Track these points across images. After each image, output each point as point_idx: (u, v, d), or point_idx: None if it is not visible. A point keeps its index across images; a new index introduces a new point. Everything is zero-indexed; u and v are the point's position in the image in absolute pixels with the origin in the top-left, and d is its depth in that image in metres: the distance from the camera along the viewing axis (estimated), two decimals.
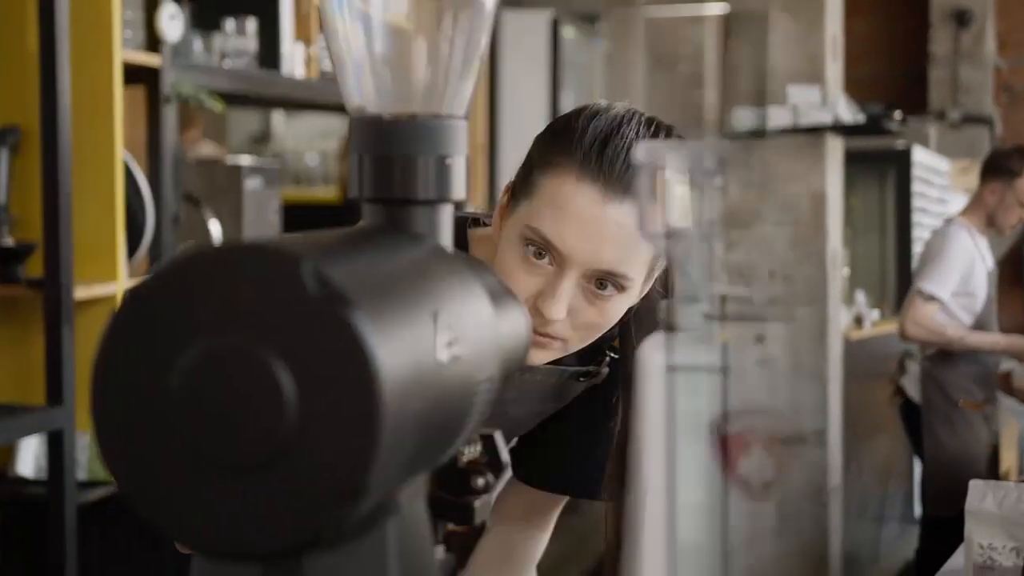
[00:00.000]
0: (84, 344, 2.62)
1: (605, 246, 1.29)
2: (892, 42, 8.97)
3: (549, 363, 1.41)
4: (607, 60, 5.78)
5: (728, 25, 5.99)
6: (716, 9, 6.12)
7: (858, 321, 6.24)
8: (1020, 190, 4.31)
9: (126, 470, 0.70)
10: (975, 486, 2.00)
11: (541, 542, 1.52)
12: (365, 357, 0.67)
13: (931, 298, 4.30)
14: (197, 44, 3.17)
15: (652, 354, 0.77)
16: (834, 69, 5.75)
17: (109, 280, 2.70)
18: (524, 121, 4.87)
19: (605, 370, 1.46)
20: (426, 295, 0.78)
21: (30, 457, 2.76)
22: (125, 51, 2.76)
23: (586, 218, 1.27)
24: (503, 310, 0.95)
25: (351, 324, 0.67)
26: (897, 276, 7.34)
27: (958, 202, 8.77)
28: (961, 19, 9.63)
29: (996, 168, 4.45)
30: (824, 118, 5.54)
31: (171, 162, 2.91)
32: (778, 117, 5.48)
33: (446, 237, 0.90)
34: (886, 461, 6.15)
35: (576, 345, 1.35)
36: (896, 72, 8.93)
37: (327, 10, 0.91)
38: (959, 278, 4.35)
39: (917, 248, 7.31)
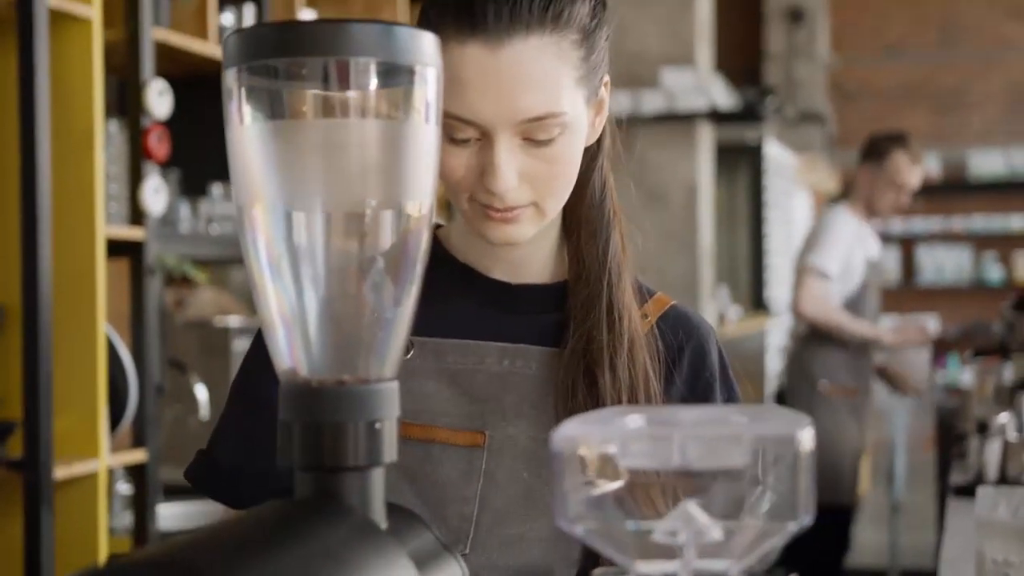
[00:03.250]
0: (64, 527, 2.60)
1: (517, 94, 1.16)
2: (727, 38, 9.03)
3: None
4: None
5: None
6: None
7: (720, 318, 6.23)
8: (889, 170, 4.34)
9: None
10: (984, 493, 1.81)
11: None
12: None
13: (823, 274, 4.28)
14: (184, 209, 3.19)
15: None
16: (704, 52, 5.77)
17: (91, 457, 2.68)
18: None
19: None
20: None
21: None
22: (109, 226, 2.77)
23: (483, 75, 1.15)
24: (435, 573, 0.93)
25: None
26: (750, 272, 7.32)
27: (802, 197, 8.86)
28: (795, 16, 9.75)
29: (867, 152, 4.52)
30: (699, 102, 5.56)
31: (155, 333, 2.91)
32: (651, 101, 5.50)
33: (377, 501, 0.89)
34: None
35: (551, 206, 1.24)
36: (730, 68, 9.01)
37: (255, 273, 0.90)
38: (842, 258, 4.33)
39: (769, 243, 7.33)
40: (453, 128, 1.18)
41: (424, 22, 1.20)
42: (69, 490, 2.68)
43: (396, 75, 0.87)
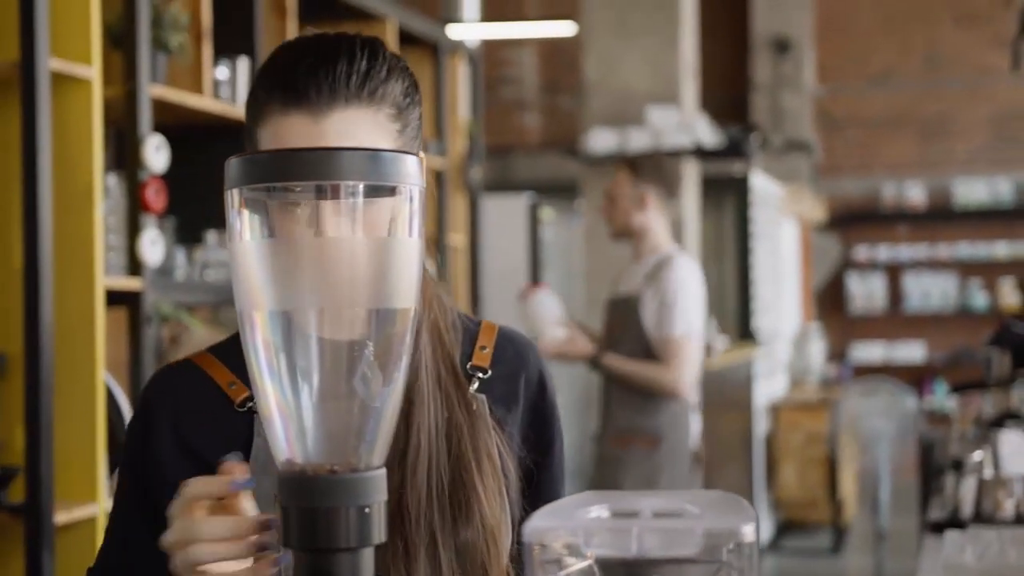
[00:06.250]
0: (64, 570, 2.68)
1: None
2: (713, 69, 9.11)
3: None
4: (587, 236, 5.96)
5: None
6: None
7: (707, 349, 6.29)
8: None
9: None
10: (952, 538, 1.90)
11: None
12: None
13: None
14: (180, 257, 3.28)
15: None
16: (690, 90, 5.83)
17: (90, 501, 2.76)
18: (507, 305, 4.98)
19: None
20: None
21: None
22: (108, 277, 2.86)
23: (307, 142, 1.24)
24: None
25: None
26: (737, 302, 7.42)
27: (789, 226, 8.98)
28: (781, 46, 9.85)
29: None
30: (684, 140, 5.59)
31: None
32: (638, 139, 5.53)
33: None
34: (740, 490, 6.18)
35: None
36: (717, 98, 9.11)
37: (255, 371, 1.00)
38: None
39: (756, 273, 7.44)
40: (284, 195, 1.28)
41: (253, 99, 1.30)
42: (69, 534, 2.76)
43: (382, 194, 0.97)
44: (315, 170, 0.95)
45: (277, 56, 1.30)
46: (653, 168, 4.19)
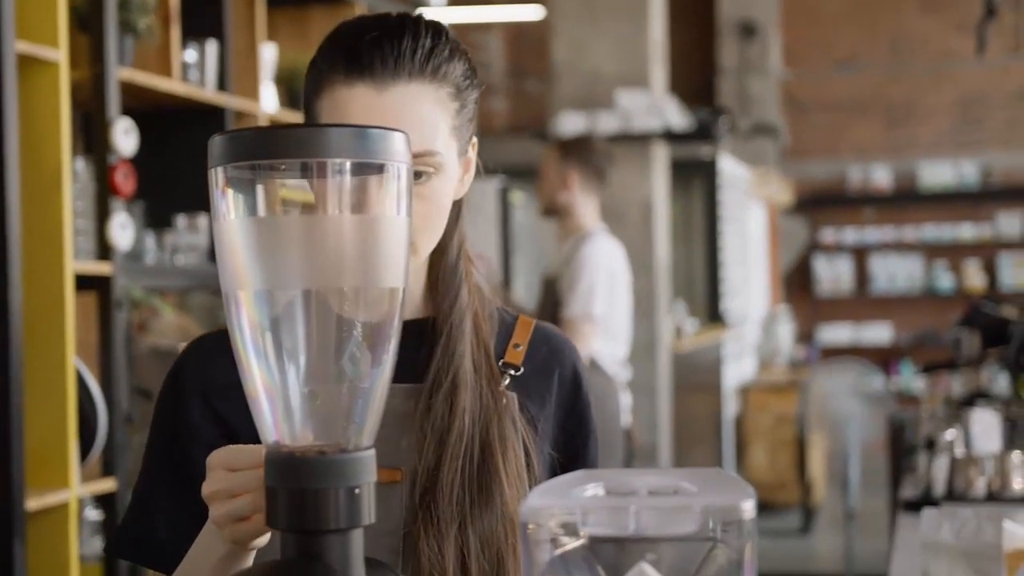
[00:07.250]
0: (36, 557, 2.65)
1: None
2: (681, 53, 9.14)
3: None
4: None
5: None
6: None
7: (677, 332, 6.31)
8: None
9: None
10: (928, 515, 1.89)
11: None
12: None
13: None
14: (150, 241, 3.25)
15: None
16: (658, 73, 5.82)
17: (62, 488, 2.74)
18: None
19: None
20: None
21: None
22: (77, 262, 2.83)
23: (368, 112, 1.25)
24: None
25: None
26: (706, 284, 7.45)
27: (757, 209, 9.03)
28: (747, 31, 9.90)
29: None
30: (653, 123, 5.59)
31: (123, 364, 2.97)
32: (607, 122, 5.53)
33: (356, 560, 0.97)
34: None
35: (423, 243, 1.30)
36: (684, 83, 9.12)
37: (241, 352, 0.98)
38: None
39: (725, 256, 7.48)
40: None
41: (314, 70, 1.30)
42: (41, 521, 2.73)
43: (369, 172, 0.95)
44: (300, 147, 0.94)
45: (341, 30, 1.31)
46: (580, 151, 4.19)
